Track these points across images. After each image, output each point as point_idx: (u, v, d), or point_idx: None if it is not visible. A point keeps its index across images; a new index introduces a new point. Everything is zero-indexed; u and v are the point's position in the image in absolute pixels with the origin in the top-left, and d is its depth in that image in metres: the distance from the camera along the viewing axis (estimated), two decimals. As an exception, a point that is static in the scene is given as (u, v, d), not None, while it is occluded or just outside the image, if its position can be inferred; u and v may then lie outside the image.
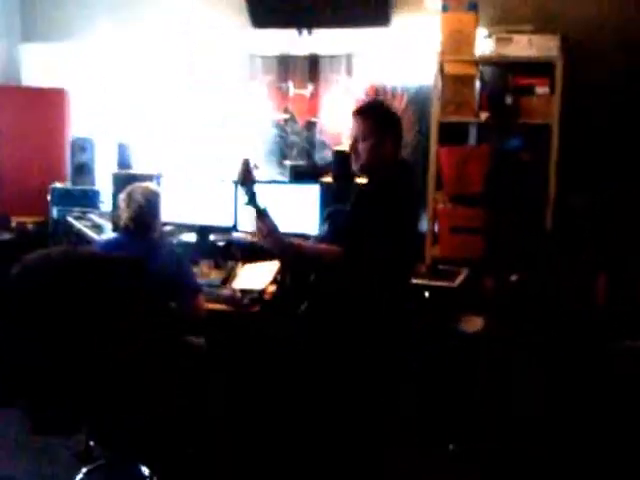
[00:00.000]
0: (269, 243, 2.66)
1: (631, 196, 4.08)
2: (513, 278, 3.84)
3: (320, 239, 2.83)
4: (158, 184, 4.11)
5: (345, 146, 2.78)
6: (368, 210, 2.63)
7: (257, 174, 2.74)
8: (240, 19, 4.76)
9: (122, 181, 4.10)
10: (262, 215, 2.60)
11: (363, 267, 2.57)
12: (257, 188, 2.62)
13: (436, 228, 4.28)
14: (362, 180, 2.86)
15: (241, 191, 2.63)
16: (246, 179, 2.62)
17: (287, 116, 4.86)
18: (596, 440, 3.31)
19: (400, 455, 3.20)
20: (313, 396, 2.83)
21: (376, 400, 2.76)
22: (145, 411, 3.03)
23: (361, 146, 2.70)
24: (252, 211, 2.62)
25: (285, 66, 4.82)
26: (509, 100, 4.09)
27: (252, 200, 2.61)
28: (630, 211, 4.07)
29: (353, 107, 2.84)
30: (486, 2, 4.30)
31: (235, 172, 2.62)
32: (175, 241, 4.11)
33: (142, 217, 3.22)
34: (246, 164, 2.62)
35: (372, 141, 2.68)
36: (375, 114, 2.76)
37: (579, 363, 3.51)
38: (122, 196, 3.29)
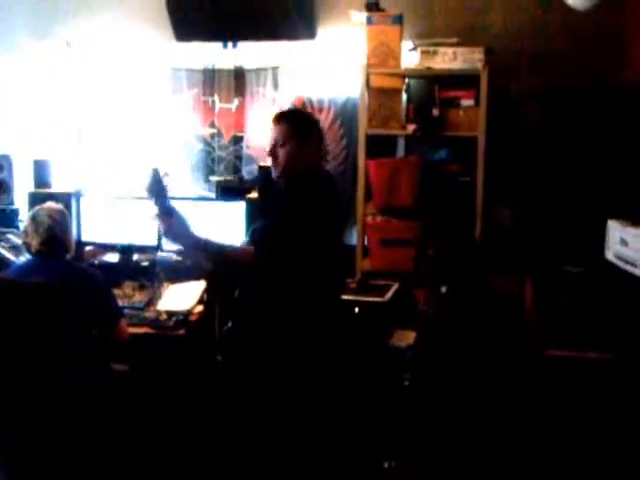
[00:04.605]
0: (176, 239, 2.59)
1: (551, 206, 4.15)
2: (443, 290, 3.83)
3: None
4: (78, 202, 3.98)
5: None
6: (284, 215, 2.58)
7: (168, 182, 2.62)
8: (163, 33, 4.64)
9: (39, 200, 3.93)
10: (169, 213, 2.50)
11: (274, 268, 2.50)
12: (169, 198, 2.53)
13: (366, 241, 4.25)
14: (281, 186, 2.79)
15: (151, 202, 2.52)
16: (156, 189, 2.51)
17: (213, 131, 4.76)
18: (530, 451, 3.32)
19: (335, 474, 3.14)
20: (243, 419, 2.76)
21: (309, 416, 2.71)
22: (64, 442, 2.91)
23: (280, 151, 2.66)
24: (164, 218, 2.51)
25: (210, 80, 4.73)
26: (436, 112, 4.10)
27: (165, 211, 2.51)
28: (554, 219, 4.13)
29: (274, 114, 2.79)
30: (411, 15, 4.31)
31: (144, 183, 2.52)
32: (97, 262, 3.98)
33: (54, 239, 3.13)
34: (155, 173, 2.52)
35: (291, 146, 2.65)
36: (294, 119, 2.74)
37: (512, 373, 3.52)
38: (26, 222, 3.17)
